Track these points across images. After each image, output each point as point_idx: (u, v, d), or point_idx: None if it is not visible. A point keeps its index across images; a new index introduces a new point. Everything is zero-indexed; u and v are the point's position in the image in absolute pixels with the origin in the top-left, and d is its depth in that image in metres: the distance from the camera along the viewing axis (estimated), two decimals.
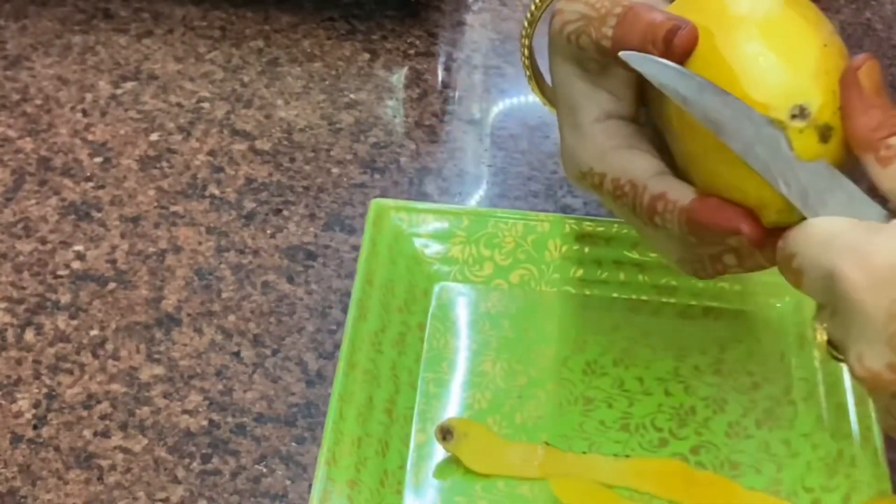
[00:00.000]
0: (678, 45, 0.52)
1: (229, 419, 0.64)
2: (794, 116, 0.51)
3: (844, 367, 0.53)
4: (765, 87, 0.51)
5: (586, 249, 0.68)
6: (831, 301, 0.48)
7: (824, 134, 0.51)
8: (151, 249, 0.72)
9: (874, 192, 0.50)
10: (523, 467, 0.60)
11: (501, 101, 0.83)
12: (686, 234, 0.54)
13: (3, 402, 0.64)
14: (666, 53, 0.52)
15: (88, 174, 0.76)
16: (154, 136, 0.79)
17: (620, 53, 0.53)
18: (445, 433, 0.60)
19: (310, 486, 0.59)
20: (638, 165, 0.56)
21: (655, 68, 0.52)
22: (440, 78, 0.84)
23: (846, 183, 0.50)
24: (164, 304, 0.69)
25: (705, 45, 0.53)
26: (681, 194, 0.54)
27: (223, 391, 0.65)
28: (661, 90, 0.52)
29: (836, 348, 0.49)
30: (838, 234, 0.48)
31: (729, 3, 0.53)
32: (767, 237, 0.52)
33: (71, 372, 0.66)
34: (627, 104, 0.57)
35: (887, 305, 0.46)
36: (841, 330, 0.48)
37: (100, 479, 0.61)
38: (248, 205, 0.74)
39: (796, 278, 0.49)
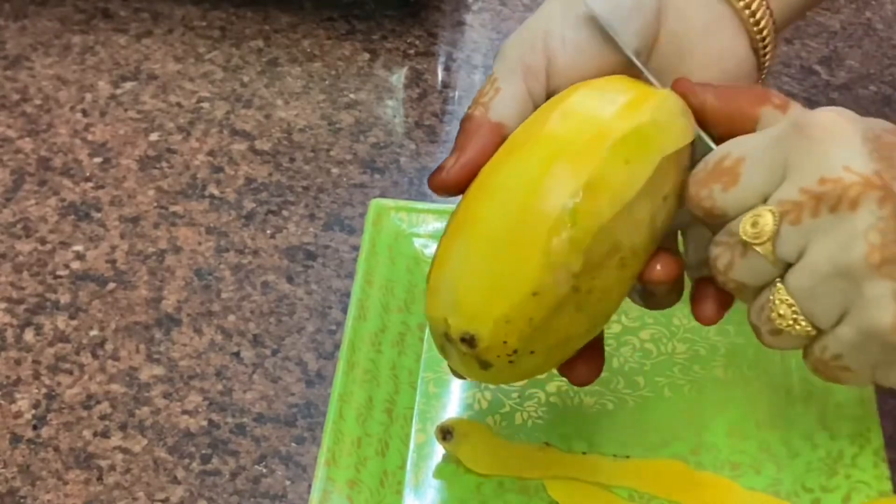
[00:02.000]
0: (430, 184, 0.56)
1: (229, 419, 0.64)
2: (462, 340, 0.52)
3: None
4: (441, 302, 0.53)
5: None
6: (780, 177, 0.51)
7: (484, 364, 0.52)
8: (151, 249, 0.72)
9: None
10: (523, 467, 0.60)
11: None
12: None
13: (2, 402, 0.64)
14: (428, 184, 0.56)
15: (88, 174, 0.76)
16: (154, 136, 0.79)
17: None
18: (445, 433, 0.60)
19: (309, 486, 0.59)
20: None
21: None
22: (440, 78, 0.84)
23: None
24: (163, 305, 0.69)
25: (468, 199, 0.54)
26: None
27: (223, 391, 0.65)
28: None
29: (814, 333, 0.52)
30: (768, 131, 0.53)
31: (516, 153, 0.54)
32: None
33: (71, 372, 0.66)
34: None
35: (863, 129, 0.51)
36: (810, 195, 0.50)
37: (99, 479, 0.61)
38: (248, 205, 0.74)
39: (733, 175, 0.52)
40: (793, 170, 0.50)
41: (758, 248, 0.50)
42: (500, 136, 0.55)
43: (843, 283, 0.49)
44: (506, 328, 0.51)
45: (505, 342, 0.52)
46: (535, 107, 0.56)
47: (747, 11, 0.58)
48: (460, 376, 0.56)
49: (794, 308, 0.51)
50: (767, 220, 0.50)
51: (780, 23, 0.60)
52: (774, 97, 0.54)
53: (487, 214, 0.52)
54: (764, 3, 0.59)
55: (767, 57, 0.60)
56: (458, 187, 0.55)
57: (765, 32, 0.59)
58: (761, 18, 0.59)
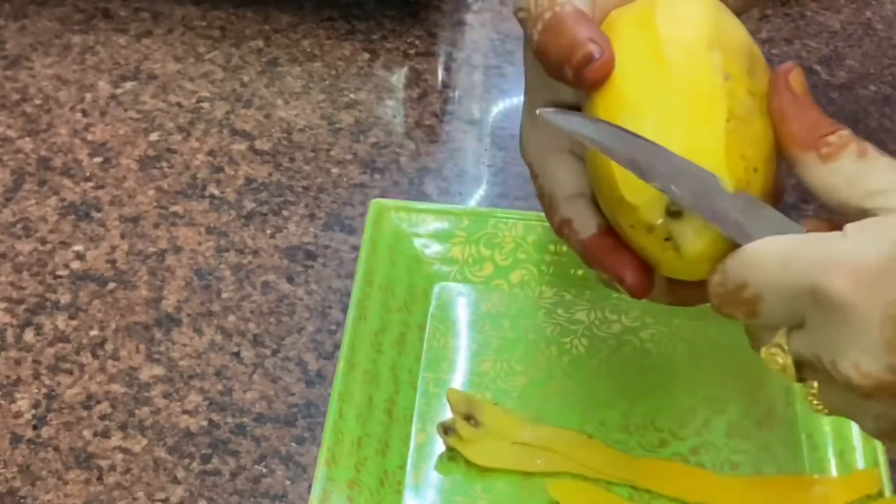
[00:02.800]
0: (587, 77, 0.51)
1: (229, 419, 0.64)
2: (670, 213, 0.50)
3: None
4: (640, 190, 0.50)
5: None
6: (800, 319, 0.47)
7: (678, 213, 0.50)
8: (151, 249, 0.72)
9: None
10: (525, 462, 0.60)
11: (501, 101, 0.83)
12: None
13: (2, 402, 0.64)
14: (576, 81, 0.51)
15: (88, 174, 0.76)
16: (154, 136, 0.79)
17: (538, 111, 0.52)
18: (447, 429, 0.61)
19: (310, 486, 0.59)
20: (561, 179, 0.55)
21: (576, 126, 0.50)
22: (440, 78, 0.84)
23: (768, 210, 0.50)
24: (163, 305, 0.69)
25: (616, 88, 0.51)
26: (584, 225, 0.53)
27: (223, 391, 0.65)
28: (585, 144, 0.51)
29: (802, 368, 0.49)
30: (792, 251, 0.47)
31: (652, 24, 0.52)
32: (666, 287, 0.53)
33: (71, 372, 0.66)
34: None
35: (881, 308, 0.45)
36: (822, 344, 0.47)
37: (99, 479, 0.61)
38: (248, 205, 0.74)
39: (751, 307, 0.48)
40: (810, 330, 0.48)
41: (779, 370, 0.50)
42: (596, 24, 0.53)
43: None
44: (731, 154, 0.50)
45: (742, 156, 0.50)
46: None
47: None
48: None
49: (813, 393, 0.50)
50: (788, 362, 0.49)
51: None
52: (824, 145, 0.49)
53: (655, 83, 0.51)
54: None
55: None
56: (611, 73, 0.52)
57: None
58: None
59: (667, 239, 0.50)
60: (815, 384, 0.49)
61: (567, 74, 0.51)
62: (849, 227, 0.47)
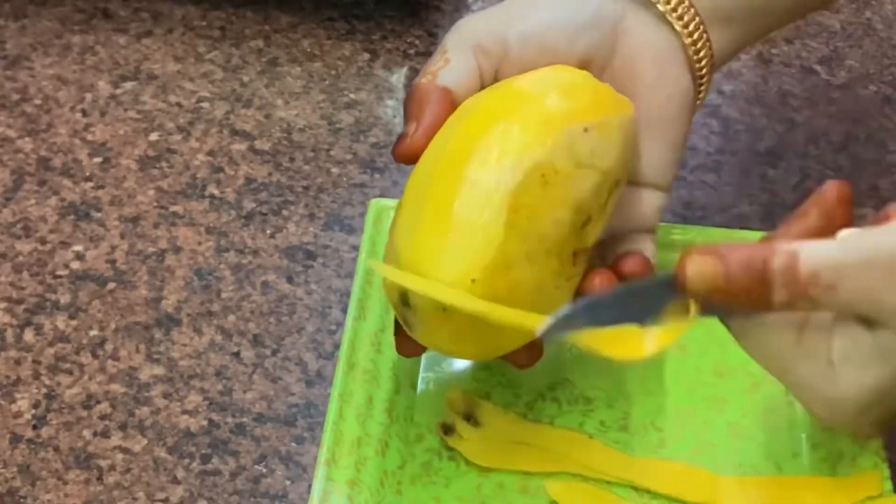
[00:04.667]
0: (393, 152, 0.57)
1: (229, 419, 0.64)
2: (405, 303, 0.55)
3: None
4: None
5: None
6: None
7: (406, 303, 0.55)
8: (151, 249, 0.72)
9: None
10: (525, 461, 0.60)
11: None
12: None
13: (2, 402, 0.64)
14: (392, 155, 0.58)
15: (88, 174, 0.76)
16: (154, 136, 0.78)
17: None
18: (447, 429, 0.61)
19: (310, 486, 0.59)
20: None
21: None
22: None
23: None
24: (163, 305, 0.69)
25: (414, 171, 0.57)
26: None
27: (223, 391, 0.65)
28: None
29: None
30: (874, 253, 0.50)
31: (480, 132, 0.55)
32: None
33: (70, 372, 0.66)
34: None
35: None
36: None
37: (99, 479, 0.61)
38: (248, 205, 0.74)
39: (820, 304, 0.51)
40: None
41: None
42: (450, 103, 0.57)
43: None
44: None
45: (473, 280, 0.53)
46: (483, 86, 0.58)
47: (693, 48, 0.60)
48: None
49: None
50: None
51: (718, 62, 0.62)
52: (777, 274, 0.51)
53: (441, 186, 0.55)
54: (708, 42, 0.61)
55: (702, 91, 0.62)
56: (420, 155, 0.57)
57: (703, 69, 0.61)
58: (703, 56, 0.61)
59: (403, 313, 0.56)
60: None
61: None
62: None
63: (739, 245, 0.51)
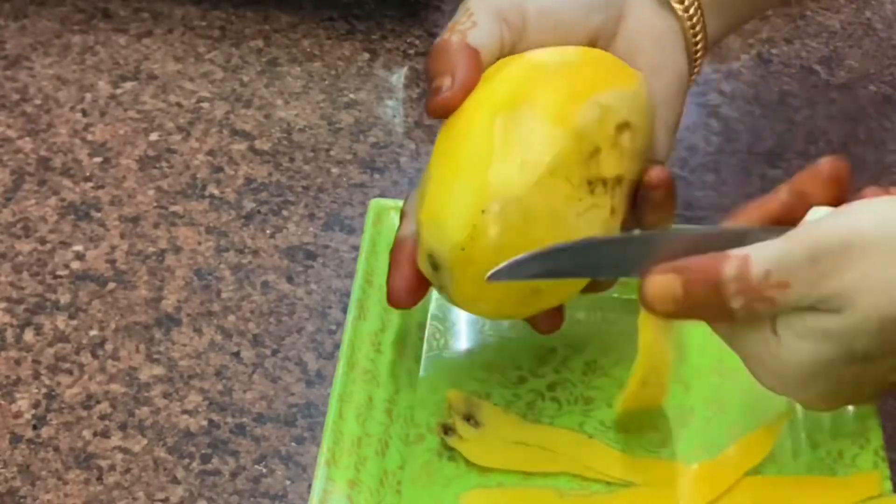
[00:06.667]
0: (427, 106, 0.58)
1: (229, 419, 0.64)
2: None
3: None
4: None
5: None
6: None
7: (434, 264, 0.57)
8: (151, 249, 0.72)
9: None
10: (526, 461, 0.60)
11: None
12: None
13: (2, 402, 0.64)
14: (425, 105, 0.58)
15: (88, 174, 0.76)
16: (153, 136, 0.78)
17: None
18: (447, 429, 0.61)
19: (309, 486, 0.59)
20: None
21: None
22: None
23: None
24: (163, 305, 0.69)
25: (448, 126, 0.58)
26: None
27: (223, 391, 0.65)
28: None
29: None
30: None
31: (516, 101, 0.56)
32: None
33: (70, 372, 0.66)
34: None
35: None
36: None
37: (99, 479, 0.61)
38: (248, 205, 0.74)
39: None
40: None
41: None
42: (479, 64, 0.57)
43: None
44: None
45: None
46: (503, 55, 0.59)
47: (691, 31, 0.62)
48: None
49: None
50: None
51: (711, 42, 0.64)
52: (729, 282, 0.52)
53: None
54: (704, 27, 0.62)
55: (696, 71, 0.64)
56: (455, 110, 0.57)
57: (698, 52, 0.63)
58: (699, 41, 0.62)
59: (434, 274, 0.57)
60: None
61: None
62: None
63: (697, 258, 0.52)
